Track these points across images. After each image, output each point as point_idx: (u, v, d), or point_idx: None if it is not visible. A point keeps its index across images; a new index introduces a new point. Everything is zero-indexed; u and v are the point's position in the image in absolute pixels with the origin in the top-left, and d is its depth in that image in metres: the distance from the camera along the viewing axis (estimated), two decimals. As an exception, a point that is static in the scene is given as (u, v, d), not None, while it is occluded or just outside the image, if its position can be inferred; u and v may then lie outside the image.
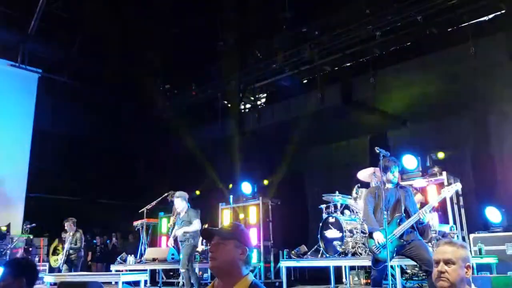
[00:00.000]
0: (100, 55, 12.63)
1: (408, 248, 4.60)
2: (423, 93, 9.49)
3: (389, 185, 4.84)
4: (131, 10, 11.67)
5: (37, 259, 9.92)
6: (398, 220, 4.66)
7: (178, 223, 7.02)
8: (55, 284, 6.35)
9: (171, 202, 11.01)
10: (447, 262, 2.31)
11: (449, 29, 9.38)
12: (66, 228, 8.93)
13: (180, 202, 6.99)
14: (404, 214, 4.69)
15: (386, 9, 9.18)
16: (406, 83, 9.55)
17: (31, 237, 9.57)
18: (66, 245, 8.47)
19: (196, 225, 6.73)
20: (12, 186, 10.29)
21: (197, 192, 11.52)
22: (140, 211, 9.62)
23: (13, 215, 9.93)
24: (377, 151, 4.79)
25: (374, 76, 9.64)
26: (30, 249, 9.62)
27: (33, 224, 9.64)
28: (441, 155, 7.95)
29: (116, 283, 6.15)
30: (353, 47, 10.10)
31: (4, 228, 9.05)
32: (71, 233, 8.57)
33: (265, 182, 10.94)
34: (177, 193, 7.12)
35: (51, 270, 10.26)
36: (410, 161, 7.83)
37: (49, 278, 6.42)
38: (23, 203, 10.41)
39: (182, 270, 6.65)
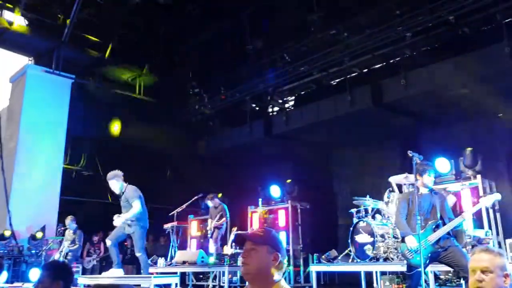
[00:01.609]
0: (131, 60, 12.88)
1: (445, 255, 4.47)
2: (456, 94, 9.25)
3: (423, 190, 4.72)
4: (161, 15, 11.85)
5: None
6: (434, 226, 4.54)
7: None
8: (89, 286, 6.47)
9: (202, 205, 11.17)
10: (484, 270, 2.24)
11: (482, 29, 9.12)
12: (67, 226, 9.32)
13: (114, 183, 6.51)
14: (440, 221, 4.57)
15: (417, 9, 8.99)
16: (438, 84, 9.33)
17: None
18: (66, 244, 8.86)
19: (136, 207, 6.34)
20: (46, 189, 10.56)
21: (219, 195, 11.61)
22: (170, 214, 9.74)
23: (47, 218, 10.19)
24: (410, 154, 4.68)
25: (405, 78, 9.45)
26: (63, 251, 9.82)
27: (66, 227, 9.89)
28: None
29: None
30: (383, 48, 9.94)
31: (39, 235, 9.30)
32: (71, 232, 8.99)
33: (288, 180, 10.87)
34: (109, 174, 6.62)
35: (84, 272, 10.49)
36: (443, 164, 7.64)
37: (83, 280, 6.55)
38: (57, 206, 10.67)
39: (138, 254, 6.50)
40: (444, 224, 4.54)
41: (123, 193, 6.52)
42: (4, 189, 9.98)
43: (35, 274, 7.51)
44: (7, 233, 9.17)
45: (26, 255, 8.84)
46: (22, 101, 10.80)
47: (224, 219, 9.75)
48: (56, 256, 8.81)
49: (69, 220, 9.76)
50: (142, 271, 6.58)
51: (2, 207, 10.09)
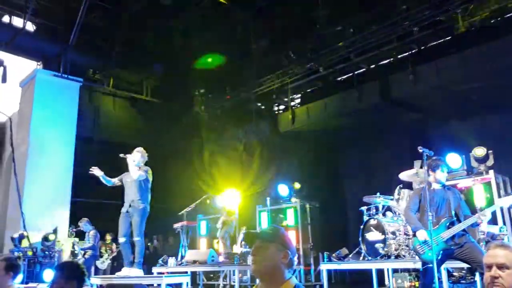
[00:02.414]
0: (137, 62, 12.95)
1: (461, 251, 4.40)
2: (465, 88, 9.18)
3: (436, 186, 4.66)
4: (166, 17, 11.88)
5: (82, 261, 10.25)
6: (448, 223, 4.45)
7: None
8: (101, 286, 6.52)
9: (209, 205, 11.21)
10: (501, 266, 2.21)
11: (491, 22, 9.03)
12: (81, 228, 9.70)
13: (137, 156, 6.59)
14: (455, 218, 4.50)
15: (423, 3, 8.93)
16: (446, 79, 9.26)
17: (78, 240, 9.93)
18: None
19: (141, 173, 6.42)
20: (58, 191, 10.66)
21: None
22: (180, 213, 9.78)
23: (59, 220, 10.29)
24: (420, 150, 4.62)
25: (413, 73, 9.39)
26: (76, 252, 9.93)
27: (79, 228, 10.00)
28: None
29: (159, 285, 6.25)
30: (390, 43, 9.90)
31: (52, 237, 9.40)
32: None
33: (297, 185, 10.78)
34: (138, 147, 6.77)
35: (96, 272, 10.58)
36: (454, 160, 7.57)
37: (95, 280, 6.59)
38: (68, 207, 10.77)
39: (137, 239, 6.44)
40: (459, 220, 4.48)
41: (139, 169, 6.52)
42: (17, 192, 10.07)
43: (48, 275, 7.59)
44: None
45: (40, 257, 8.94)
46: (32, 105, 10.91)
47: (233, 217, 9.79)
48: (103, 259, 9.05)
49: (82, 223, 9.93)
50: (135, 257, 6.48)
51: (16, 210, 10.20)
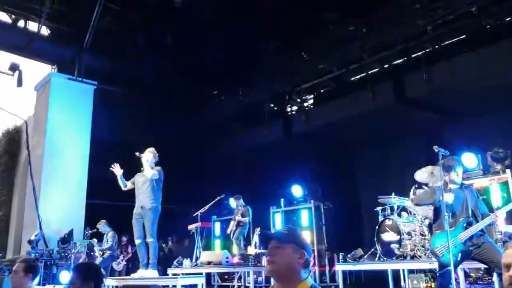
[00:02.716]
0: (150, 64, 13.03)
1: (479, 252, 4.33)
2: (480, 87, 9.05)
3: (452, 186, 4.61)
4: (179, 18, 11.93)
5: (100, 261, 10.35)
6: (465, 224, 4.39)
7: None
8: (117, 287, 6.57)
9: (224, 206, 11.26)
10: (519, 266, 2.17)
11: (506, 19, 8.90)
12: (100, 230, 9.96)
13: (149, 156, 6.69)
14: (472, 218, 4.43)
15: (437, 1, 8.82)
16: (461, 78, 9.15)
17: (96, 241, 10.03)
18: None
19: (154, 172, 6.49)
20: (73, 193, 10.78)
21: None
22: (194, 214, 9.82)
23: (75, 221, 10.39)
24: (436, 150, 4.56)
25: (427, 72, 9.29)
26: (92, 253, 10.03)
27: (94, 230, 10.09)
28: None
29: (174, 286, 6.28)
30: (404, 43, 9.81)
31: (68, 239, 9.52)
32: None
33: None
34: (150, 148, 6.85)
35: (112, 273, 10.67)
36: (470, 159, 7.47)
37: (111, 281, 6.65)
38: (83, 209, 10.88)
39: (150, 240, 6.42)
40: (476, 220, 4.41)
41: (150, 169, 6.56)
42: (33, 194, 10.22)
43: (65, 276, 7.68)
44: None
45: (56, 258, 9.04)
46: (47, 108, 11.06)
47: (246, 218, 9.80)
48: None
49: (101, 225, 10.05)
50: (150, 258, 6.47)
51: (32, 212, 10.35)
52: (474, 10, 8.47)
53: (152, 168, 6.62)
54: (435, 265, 5.33)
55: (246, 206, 10.01)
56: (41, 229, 9.69)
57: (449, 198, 4.44)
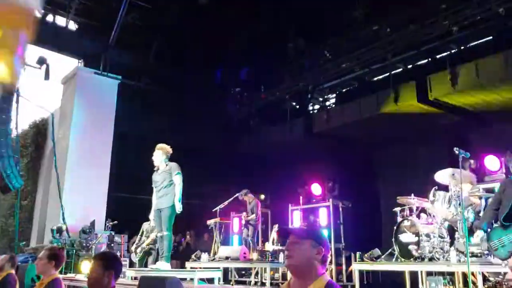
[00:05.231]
0: (174, 61, 13.19)
1: None
2: (505, 89, 8.89)
3: None
4: (203, 16, 12.04)
5: (118, 254, 10.55)
6: None
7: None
8: (135, 278, 6.71)
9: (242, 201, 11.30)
10: None
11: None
12: None
13: (159, 154, 6.51)
14: None
15: (464, 2, 8.69)
16: (486, 79, 9.00)
17: (113, 233, 10.19)
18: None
19: (177, 180, 6.32)
20: (96, 186, 11.03)
21: (262, 197, 11.56)
22: (213, 210, 9.92)
23: (96, 213, 10.63)
24: (456, 151, 4.55)
25: (452, 73, 9.16)
26: (112, 244, 10.21)
27: (115, 222, 10.27)
28: None
29: (192, 279, 6.38)
30: (428, 43, 9.70)
31: (89, 229, 9.72)
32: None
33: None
34: (159, 144, 6.66)
35: (131, 265, 10.86)
36: (492, 162, 7.37)
37: (130, 272, 6.79)
38: (105, 202, 11.11)
39: (165, 233, 6.33)
40: None
41: (165, 167, 6.52)
42: (57, 186, 10.49)
43: (86, 266, 7.87)
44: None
45: (78, 248, 9.28)
46: (73, 101, 11.32)
47: (254, 215, 9.81)
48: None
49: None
50: (164, 251, 6.42)
51: (56, 203, 10.62)
52: (501, 11, 8.31)
53: (166, 164, 6.58)
54: (453, 268, 5.28)
55: (255, 200, 9.97)
56: (64, 220, 9.95)
57: None
